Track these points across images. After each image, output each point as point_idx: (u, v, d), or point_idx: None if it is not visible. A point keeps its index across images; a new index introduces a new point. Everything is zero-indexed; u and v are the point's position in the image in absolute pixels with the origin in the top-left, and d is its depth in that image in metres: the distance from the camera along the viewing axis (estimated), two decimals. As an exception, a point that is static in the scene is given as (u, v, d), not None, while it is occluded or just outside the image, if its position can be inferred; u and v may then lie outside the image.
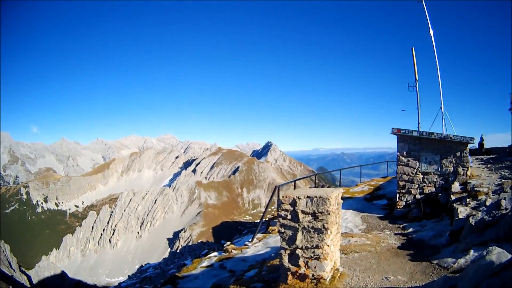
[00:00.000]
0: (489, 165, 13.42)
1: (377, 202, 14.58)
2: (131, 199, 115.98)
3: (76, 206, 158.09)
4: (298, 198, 5.73)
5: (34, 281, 46.61)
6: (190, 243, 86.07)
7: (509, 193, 8.00)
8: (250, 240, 12.47)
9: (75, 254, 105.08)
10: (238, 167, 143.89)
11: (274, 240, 11.40)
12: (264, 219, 15.04)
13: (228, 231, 77.74)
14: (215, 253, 15.26)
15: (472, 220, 7.38)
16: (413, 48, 15.28)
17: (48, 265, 61.21)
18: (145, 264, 54.23)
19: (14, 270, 28.45)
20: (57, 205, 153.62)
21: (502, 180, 10.28)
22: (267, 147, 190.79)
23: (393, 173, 22.75)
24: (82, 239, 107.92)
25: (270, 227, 13.72)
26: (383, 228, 10.49)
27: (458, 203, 9.16)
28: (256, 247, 11.28)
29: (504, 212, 7.25)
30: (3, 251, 30.79)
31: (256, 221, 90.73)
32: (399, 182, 11.86)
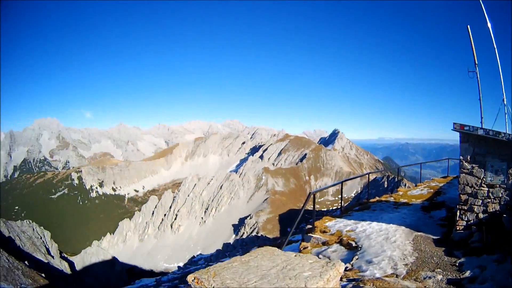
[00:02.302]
0: None
1: (435, 213, 11.20)
2: (195, 184, 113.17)
3: (136, 191, 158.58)
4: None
5: (78, 267, 46.71)
6: (256, 230, 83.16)
7: None
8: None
9: (132, 239, 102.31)
10: (305, 154, 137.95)
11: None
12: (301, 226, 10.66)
13: (295, 219, 74.07)
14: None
15: None
16: (469, 26, 11.14)
17: (97, 250, 60.86)
18: (197, 255, 51.67)
19: (52, 257, 28.58)
20: (114, 189, 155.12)
21: None
22: (334, 135, 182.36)
23: (453, 169, 19.86)
24: (141, 224, 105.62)
25: (303, 243, 9.95)
26: (435, 266, 7.25)
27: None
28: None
29: None
30: (41, 238, 31.71)
31: (322, 209, 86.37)
32: (461, 195, 8.49)
